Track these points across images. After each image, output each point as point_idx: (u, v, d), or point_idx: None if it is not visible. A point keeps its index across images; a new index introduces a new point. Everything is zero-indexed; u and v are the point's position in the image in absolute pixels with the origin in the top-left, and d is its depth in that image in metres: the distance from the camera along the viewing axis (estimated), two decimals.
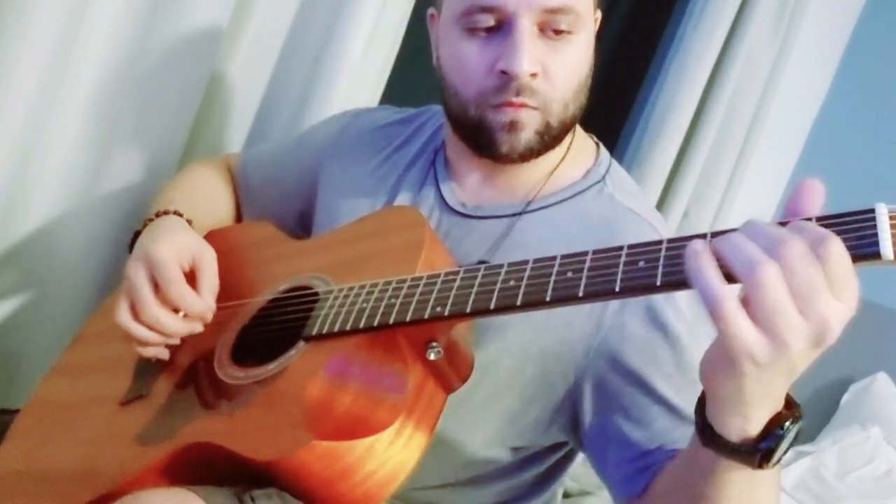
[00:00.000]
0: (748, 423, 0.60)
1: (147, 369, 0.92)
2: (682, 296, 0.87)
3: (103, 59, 1.13)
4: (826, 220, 0.56)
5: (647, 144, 2.10)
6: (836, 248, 0.52)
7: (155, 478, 0.78)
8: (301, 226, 1.12)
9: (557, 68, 0.84)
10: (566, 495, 1.62)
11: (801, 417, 0.61)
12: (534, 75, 0.83)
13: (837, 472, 2.08)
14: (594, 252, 0.65)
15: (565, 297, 0.65)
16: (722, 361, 0.56)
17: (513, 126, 0.85)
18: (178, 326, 0.86)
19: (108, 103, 1.15)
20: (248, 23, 1.32)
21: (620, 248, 0.64)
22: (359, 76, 1.40)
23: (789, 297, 0.52)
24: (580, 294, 0.64)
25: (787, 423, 0.60)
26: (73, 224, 1.18)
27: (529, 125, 0.85)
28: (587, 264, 0.65)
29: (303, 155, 1.12)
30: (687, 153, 2.13)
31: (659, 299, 0.84)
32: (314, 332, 0.79)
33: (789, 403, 0.62)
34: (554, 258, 0.67)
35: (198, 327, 0.88)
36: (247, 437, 0.74)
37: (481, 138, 0.88)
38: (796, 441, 0.62)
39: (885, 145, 2.30)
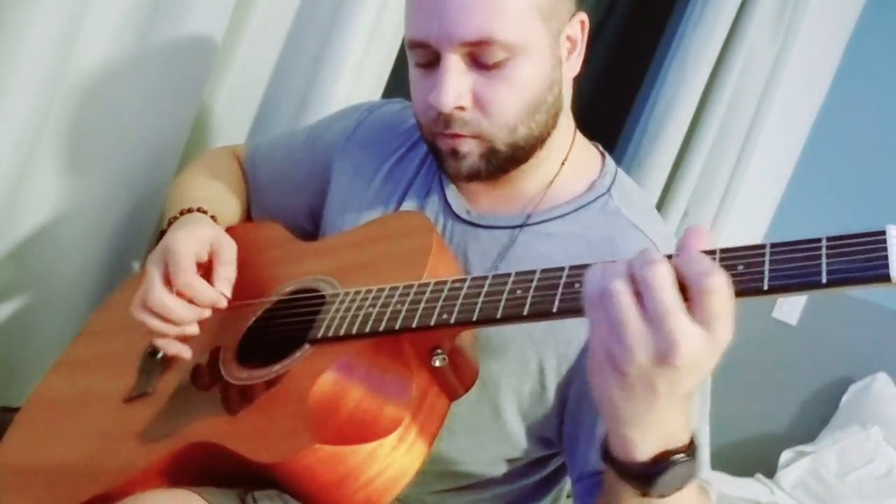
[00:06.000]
0: (630, 445, 0.63)
1: (152, 367, 0.91)
2: None
3: (103, 59, 1.12)
4: (836, 241, 0.56)
5: (647, 144, 2.09)
6: (716, 282, 0.55)
7: (157, 476, 0.78)
8: (311, 220, 1.10)
9: (491, 97, 0.84)
10: (568, 495, 1.62)
11: (693, 457, 0.64)
12: (462, 108, 0.84)
13: (837, 472, 2.08)
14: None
15: (572, 309, 0.65)
16: (593, 363, 0.61)
17: (455, 153, 0.87)
18: (184, 312, 0.85)
19: (108, 104, 1.14)
20: (248, 22, 1.31)
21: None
22: (359, 76, 1.40)
23: (634, 310, 0.57)
24: None
25: (677, 457, 0.63)
26: (74, 223, 1.17)
27: (472, 152, 0.87)
28: None
29: (315, 149, 1.09)
30: (687, 153, 2.13)
31: None
32: (320, 334, 0.79)
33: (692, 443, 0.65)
34: (562, 269, 0.67)
35: (205, 313, 0.87)
36: (249, 439, 0.74)
37: (436, 160, 0.92)
38: (689, 478, 0.65)
39: (884, 145, 2.30)
